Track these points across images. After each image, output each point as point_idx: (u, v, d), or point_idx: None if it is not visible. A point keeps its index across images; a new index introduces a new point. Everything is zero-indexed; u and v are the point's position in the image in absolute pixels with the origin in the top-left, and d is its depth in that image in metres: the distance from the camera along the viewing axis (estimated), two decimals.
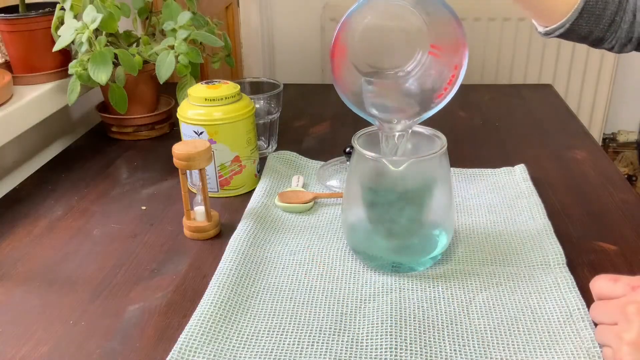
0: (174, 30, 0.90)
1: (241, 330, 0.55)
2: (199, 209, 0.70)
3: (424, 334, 0.54)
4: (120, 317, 0.57)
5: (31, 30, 0.90)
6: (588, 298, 0.54)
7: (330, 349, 0.52)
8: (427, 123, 0.64)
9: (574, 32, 0.67)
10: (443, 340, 0.53)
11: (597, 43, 0.68)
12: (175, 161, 0.66)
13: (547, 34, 0.70)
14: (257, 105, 0.85)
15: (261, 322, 0.56)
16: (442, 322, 0.55)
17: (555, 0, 0.66)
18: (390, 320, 0.55)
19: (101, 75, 0.85)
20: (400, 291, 0.59)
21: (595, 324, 0.51)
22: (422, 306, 0.57)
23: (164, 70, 0.88)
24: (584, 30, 0.67)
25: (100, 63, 0.85)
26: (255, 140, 0.80)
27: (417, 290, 0.60)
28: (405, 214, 0.62)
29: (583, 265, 0.63)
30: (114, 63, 0.87)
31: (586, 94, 2.06)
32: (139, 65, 0.91)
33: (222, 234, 0.71)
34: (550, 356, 0.51)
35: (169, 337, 0.54)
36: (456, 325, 0.55)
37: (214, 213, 0.71)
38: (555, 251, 0.63)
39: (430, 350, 0.52)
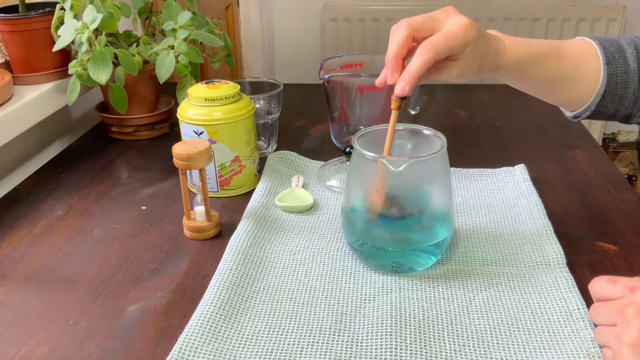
0: (174, 30, 0.90)
1: (241, 330, 0.55)
2: (199, 209, 0.70)
3: (424, 334, 0.54)
4: (120, 317, 0.57)
5: (31, 30, 0.90)
6: (588, 298, 0.54)
7: (330, 349, 0.52)
8: (427, 123, 0.64)
9: (600, 112, 0.68)
10: (443, 340, 0.53)
11: (625, 119, 0.70)
12: (175, 161, 0.66)
13: (575, 117, 0.71)
14: (257, 105, 0.85)
15: (261, 322, 0.56)
16: (442, 322, 0.55)
17: (576, 88, 0.67)
18: (390, 320, 0.55)
19: (101, 75, 0.85)
20: (400, 291, 0.59)
21: (595, 325, 0.51)
22: (422, 306, 0.57)
23: (164, 70, 0.88)
24: (610, 109, 0.68)
25: (100, 63, 0.85)
26: (255, 140, 0.80)
27: (417, 290, 0.60)
28: (405, 215, 0.62)
29: (583, 265, 0.63)
30: (114, 63, 0.87)
31: None
32: (139, 65, 0.91)
33: (222, 234, 0.71)
34: (550, 356, 0.51)
35: (169, 337, 0.54)
36: (456, 325, 0.55)
37: (214, 213, 0.71)
38: (555, 251, 0.64)
39: (430, 350, 0.52)
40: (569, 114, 0.72)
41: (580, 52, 0.66)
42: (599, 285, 0.51)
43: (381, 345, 0.52)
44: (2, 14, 0.89)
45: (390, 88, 0.59)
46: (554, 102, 0.73)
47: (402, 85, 0.57)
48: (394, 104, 0.59)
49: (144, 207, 0.77)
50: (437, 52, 0.56)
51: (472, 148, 0.93)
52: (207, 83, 0.78)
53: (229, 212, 0.76)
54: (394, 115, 0.59)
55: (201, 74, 1.07)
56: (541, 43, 0.66)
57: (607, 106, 0.67)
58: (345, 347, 0.52)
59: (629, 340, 0.44)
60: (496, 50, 0.62)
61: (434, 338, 0.53)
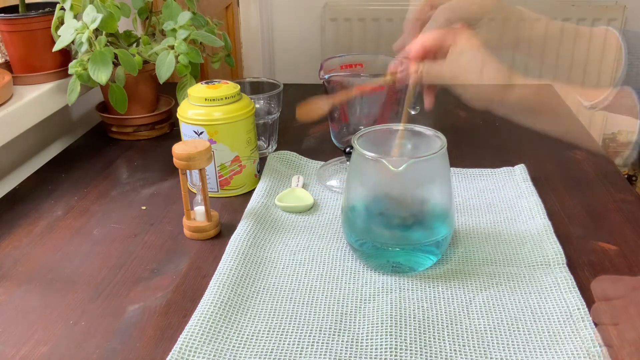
0: (174, 30, 0.90)
1: (241, 330, 0.55)
2: (199, 209, 0.70)
3: (424, 334, 0.54)
4: (120, 317, 0.57)
5: (31, 30, 0.90)
6: (588, 298, 0.54)
7: (330, 349, 0.52)
8: (427, 123, 0.64)
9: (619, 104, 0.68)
10: (443, 340, 0.53)
11: None
12: (175, 161, 0.66)
13: (592, 107, 0.70)
14: (257, 105, 0.85)
15: (261, 322, 0.56)
16: (442, 322, 0.55)
17: (596, 75, 0.67)
18: (390, 320, 0.55)
19: (101, 75, 0.85)
20: (400, 291, 0.59)
21: (596, 324, 0.51)
22: (422, 306, 0.57)
23: (164, 70, 0.88)
24: (629, 102, 0.68)
25: (100, 63, 0.85)
26: (255, 140, 0.80)
27: (417, 290, 0.60)
28: (405, 215, 0.62)
29: (583, 265, 0.63)
30: (114, 63, 0.87)
31: None
32: (139, 65, 0.91)
33: (222, 234, 0.71)
34: (550, 356, 0.51)
35: (169, 337, 0.54)
36: (456, 325, 0.55)
37: (214, 213, 0.71)
38: (555, 251, 0.63)
39: (430, 350, 0.52)
40: (586, 103, 0.71)
41: (603, 39, 0.66)
42: (602, 284, 0.51)
43: (381, 345, 0.52)
44: (2, 14, 0.89)
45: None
46: (572, 89, 0.72)
47: (418, 46, 0.59)
48: (413, 67, 0.62)
49: (144, 207, 0.77)
50: (452, 13, 0.57)
51: (472, 148, 0.93)
52: (207, 83, 0.78)
53: (229, 212, 0.76)
54: (412, 78, 0.62)
55: (201, 74, 1.07)
56: (565, 24, 0.66)
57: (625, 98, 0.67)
58: (345, 347, 0.52)
59: (631, 339, 0.44)
60: (518, 21, 0.62)
61: (434, 338, 0.53)
